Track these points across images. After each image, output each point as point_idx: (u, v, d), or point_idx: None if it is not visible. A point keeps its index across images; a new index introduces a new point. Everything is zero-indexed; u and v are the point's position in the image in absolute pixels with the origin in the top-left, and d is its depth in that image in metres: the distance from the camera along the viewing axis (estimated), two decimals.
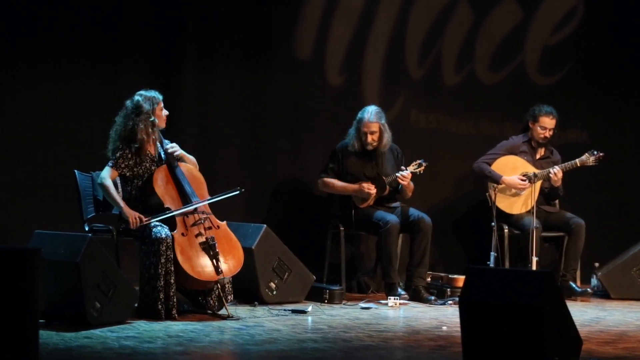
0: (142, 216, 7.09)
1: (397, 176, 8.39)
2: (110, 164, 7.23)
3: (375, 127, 8.46)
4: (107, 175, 7.20)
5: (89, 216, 7.50)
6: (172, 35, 8.75)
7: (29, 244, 6.84)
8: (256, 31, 9.02)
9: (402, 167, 8.44)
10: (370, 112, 8.46)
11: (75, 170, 7.56)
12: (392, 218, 8.34)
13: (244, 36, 8.98)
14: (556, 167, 8.78)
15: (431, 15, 9.65)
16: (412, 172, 8.41)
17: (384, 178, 8.44)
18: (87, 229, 7.39)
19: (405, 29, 9.55)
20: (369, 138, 8.45)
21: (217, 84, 8.92)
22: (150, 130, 7.24)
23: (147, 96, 7.29)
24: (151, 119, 7.23)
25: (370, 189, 8.40)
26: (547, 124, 8.91)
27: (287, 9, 9.21)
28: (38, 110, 8.32)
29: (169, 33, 8.75)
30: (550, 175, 8.73)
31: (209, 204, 7.37)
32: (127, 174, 7.25)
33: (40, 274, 5.00)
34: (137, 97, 7.28)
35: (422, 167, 8.46)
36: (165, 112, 7.37)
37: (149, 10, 8.68)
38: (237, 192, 7.44)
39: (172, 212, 7.16)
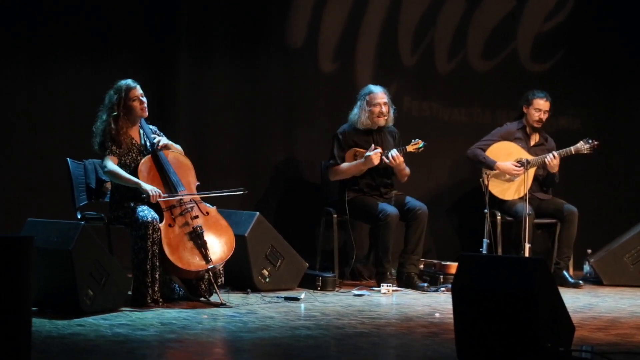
0: (160, 191, 7.07)
1: (389, 155, 8.33)
2: (107, 152, 7.16)
3: (386, 99, 8.47)
4: (109, 163, 7.14)
5: (81, 204, 7.49)
6: (165, 24, 8.73)
7: (22, 232, 6.82)
8: (249, 19, 9.00)
9: (395, 150, 8.38)
10: (377, 87, 8.51)
11: (68, 159, 7.54)
12: (392, 210, 8.30)
13: (237, 24, 8.96)
14: (553, 152, 8.77)
15: (424, 2, 9.64)
16: (410, 151, 8.36)
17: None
18: (79, 216, 7.39)
19: (397, 16, 9.54)
20: (383, 109, 8.41)
21: (211, 72, 8.91)
22: (119, 124, 7.17)
23: (116, 87, 7.20)
24: (114, 114, 7.15)
25: (376, 155, 8.28)
26: (541, 105, 8.90)
27: None
28: (30, 99, 8.30)
29: (162, 21, 8.72)
30: (547, 161, 8.73)
31: (206, 193, 7.38)
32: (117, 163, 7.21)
33: (33, 262, 4.98)
34: (110, 91, 7.22)
35: (422, 149, 8.40)
36: (144, 100, 7.23)
37: None
38: (241, 192, 7.45)
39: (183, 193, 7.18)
